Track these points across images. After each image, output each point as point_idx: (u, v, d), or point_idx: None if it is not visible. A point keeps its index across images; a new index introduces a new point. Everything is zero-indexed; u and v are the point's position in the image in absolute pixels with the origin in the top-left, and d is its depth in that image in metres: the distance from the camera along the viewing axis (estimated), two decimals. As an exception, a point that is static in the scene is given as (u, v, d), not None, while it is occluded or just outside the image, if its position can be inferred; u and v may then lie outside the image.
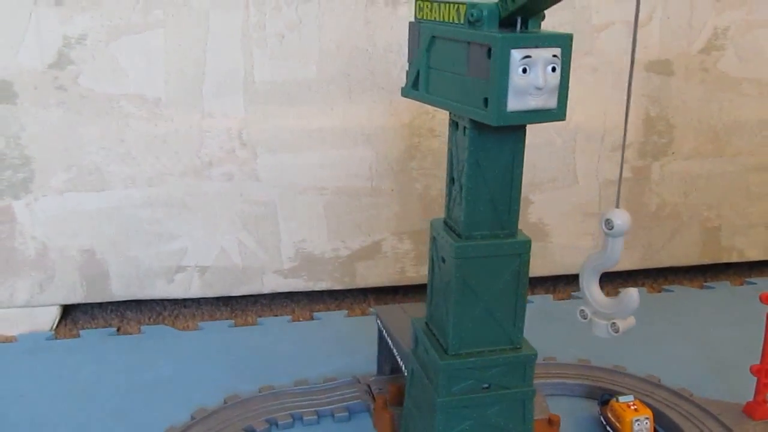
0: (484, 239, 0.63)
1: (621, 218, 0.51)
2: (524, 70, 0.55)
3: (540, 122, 0.59)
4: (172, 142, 0.96)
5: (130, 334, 0.99)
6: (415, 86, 0.66)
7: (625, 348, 0.94)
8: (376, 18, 0.97)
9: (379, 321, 0.85)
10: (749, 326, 0.91)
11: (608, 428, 0.78)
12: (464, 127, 0.61)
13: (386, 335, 0.82)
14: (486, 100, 0.56)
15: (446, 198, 0.67)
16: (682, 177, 1.12)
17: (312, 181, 1.01)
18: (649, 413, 0.76)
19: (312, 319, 1.04)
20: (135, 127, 0.95)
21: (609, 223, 0.51)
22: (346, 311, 1.06)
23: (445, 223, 0.67)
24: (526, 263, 0.65)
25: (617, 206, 0.52)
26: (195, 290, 1.03)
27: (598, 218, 1.10)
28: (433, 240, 0.68)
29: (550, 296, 1.12)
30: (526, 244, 0.64)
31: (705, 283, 1.17)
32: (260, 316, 1.05)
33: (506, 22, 0.57)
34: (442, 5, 0.61)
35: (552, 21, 0.99)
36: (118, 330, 1.00)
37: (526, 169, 1.06)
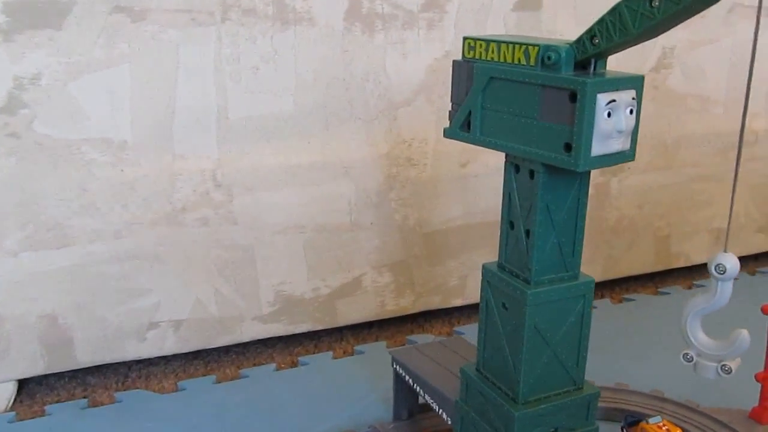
0: (552, 283, 0.62)
1: (731, 262, 0.51)
2: (608, 114, 0.54)
3: (615, 164, 0.58)
4: (141, 189, 0.87)
5: (103, 404, 0.89)
6: (464, 127, 0.63)
7: (611, 364, 0.95)
8: (353, 46, 0.93)
9: (397, 365, 0.81)
10: (713, 328, 0.97)
11: (639, 451, 0.79)
12: (531, 171, 0.59)
13: (409, 379, 0.79)
14: (568, 146, 0.55)
15: (502, 242, 0.64)
16: (637, 190, 1.16)
17: (291, 219, 0.96)
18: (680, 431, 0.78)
19: (297, 365, 0.98)
20: (99, 175, 0.85)
21: (720, 268, 0.51)
22: (331, 353, 1.01)
23: (502, 267, 0.65)
24: (590, 303, 0.64)
25: (725, 250, 0.52)
26: (170, 347, 0.94)
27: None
28: (489, 285, 0.66)
29: (525, 316, 1.12)
30: (591, 284, 0.63)
31: (659, 289, 1.22)
32: (241, 368, 0.98)
33: (580, 65, 0.56)
34: (503, 45, 0.59)
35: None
36: (89, 401, 0.90)
37: (498, 193, 1.07)
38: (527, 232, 0.61)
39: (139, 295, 0.91)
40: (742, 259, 1.32)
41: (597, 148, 0.55)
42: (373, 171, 0.98)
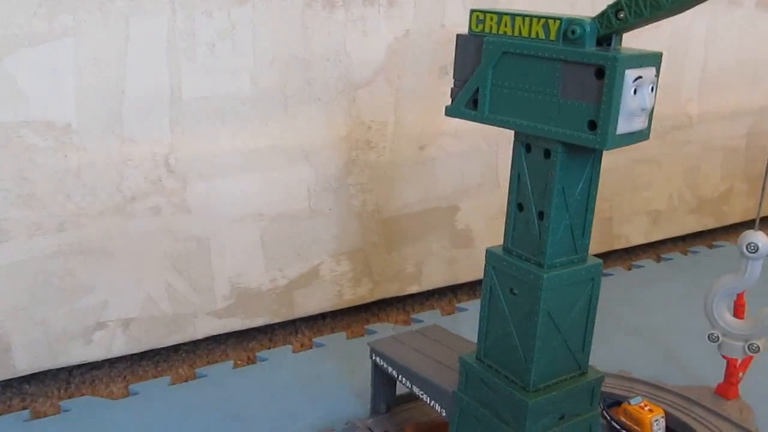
0: (564, 266, 0.60)
1: (763, 240, 0.51)
2: (634, 92, 0.53)
3: (634, 143, 0.56)
4: (87, 177, 0.79)
5: (48, 414, 0.80)
6: (470, 105, 0.60)
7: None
8: (314, 23, 0.88)
9: (377, 357, 0.77)
10: (661, 308, 0.99)
11: (623, 431, 0.79)
12: (546, 151, 0.57)
13: (393, 371, 0.75)
14: (592, 123, 0.53)
15: (509, 225, 0.62)
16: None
17: (248, 207, 0.90)
18: (662, 412, 0.78)
19: (255, 361, 0.93)
20: (40, 162, 0.77)
21: (752, 246, 0.51)
22: (289, 347, 0.95)
23: (509, 251, 0.62)
24: (599, 286, 0.62)
25: (755, 229, 0.51)
26: (119, 348, 0.86)
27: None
28: (494, 270, 0.63)
29: (480, 302, 1.11)
30: (600, 267, 0.62)
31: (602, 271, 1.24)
32: (195, 367, 0.91)
33: (600, 40, 0.54)
34: (518, 18, 0.56)
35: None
36: (31, 412, 0.81)
37: (455, 178, 1.05)
38: (540, 214, 0.58)
39: (85, 293, 0.82)
40: (675, 239, 1.38)
41: (622, 127, 0.53)
42: (332, 155, 0.93)
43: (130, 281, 0.85)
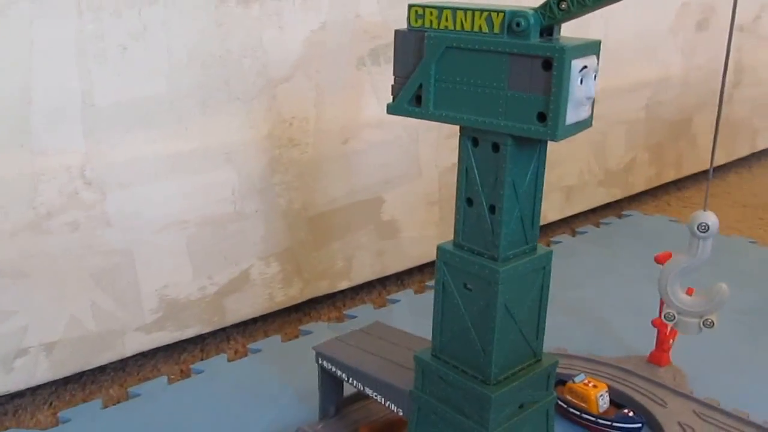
0: (517, 258, 0.60)
1: (713, 220, 0.52)
2: (581, 81, 0.53)
3: (579, 132, 0.57)
4: (-4, 195, 0.73)
5: (-29, 454, 0.75)
6: (413, 102, 0.59)
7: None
8: (229, 20, 0.84)
9: (323, 360, 0.76)
10: (584, 281, 1.03)
11: (570, 408, 0.81)
12: (494, 144, 0.57)
13: (342, 374, 0.74)
14: (542, 115, 0.53)
15: (459, 220, 0.61)
16: (500, 155, 1.18)
17: (172, 215, 0.85)
18: (605, 387, 0.81)
19: (190, 374, 0.89)
20: (-59, 183, 0.70)
21: (703, 226, 0.52)
22: (224, 356, 0.92)
23: (460, 246, 0.62)
24: (549, 274, 0.63)
25: (705, 209, 0.53)
26: (42, 374, 0.81)
27: (440, 207, 1.12)
28: (446, 266, 0.62)
29: (411, 291, 1.11)
30: (550, 255, 0.62)
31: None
32: (126, 386, 0.86)
33: (543, 31, 0.54)
34: (459, 12, 0.55)
35: (395, 13, 0.97)
36: (-49, 454, 0.75)
37: (379, 169, 1.04)
38: (491, 208, 0.58)
39: (2, 319, 0.77)
40: (587, 212, 1.42)
41: (570, 117, 0.53)
42: (255, 155, 0.90)
43: (51, 302, 0.79)
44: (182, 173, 0.85)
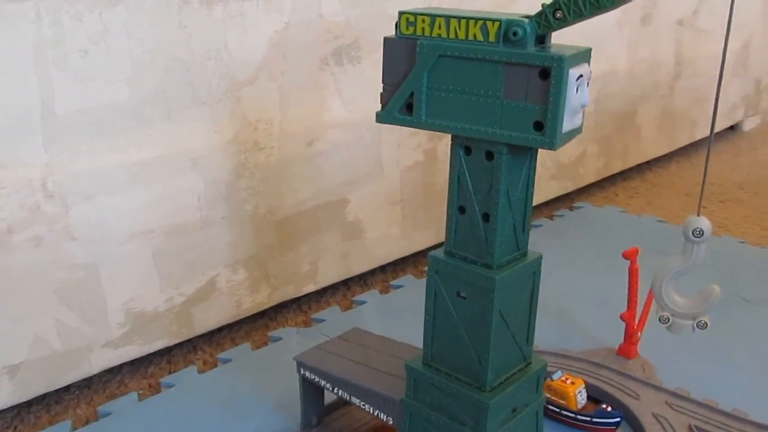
0: (510, 265, 0.60)
1: (706, 224, 0.53)
2: (576, 89, 0.53)
3: (572, 139, 0.57)
4: (-47, 212, 0.69)
5: (-66, 486, 0.70)
6: (404, 110, 0.58)
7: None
8: (192, 21, 0.81)
9: (306, 371, 0.74)
10: (545, 275, 1.04)
11: (549, 406, 0.82)
12: (489, 152, 0.56)
13: (327, 384, 0.72)
14: (539, 124, 0.53)
15: (450, 227, 0.61)
16: (459, 152, 1.18)
17: (137, 225, 0.82)
18: (582, 382, 0.82)
19: (161, 389, 0.86)
20: None
21: (698, 231, 0.53)
22: (194, 367, 0.89)
23: (452, 254, 0.61)
24: (539, 278, 0.63)
25: (698, 214, 0.54)
26: (5, 398, 0.77)
27: (402, 206, 1.12)
28: (438, 275, 0.62)
29: (376, 291, 1.10)
30: (540, 260, 0.63)
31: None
32: (95, 405, 0.83)
33: (537, 39, 0.54)
34: (453, 20, 0.54)
35: (358, 12, 0.96)
36: None
37: (343, 170, 1.03)
38: (485, 216, 0.58)
39: (-38, 343, 0.73)
40: (540, 206, 1.44)
41: (567, 125, 0.53)
42: (221, 160, 0.88)
43: (13, 322, 0.75)
44: (147, 182, 0.82)
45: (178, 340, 0.90)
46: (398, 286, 1.12)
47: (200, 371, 0.89)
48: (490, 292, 0.58)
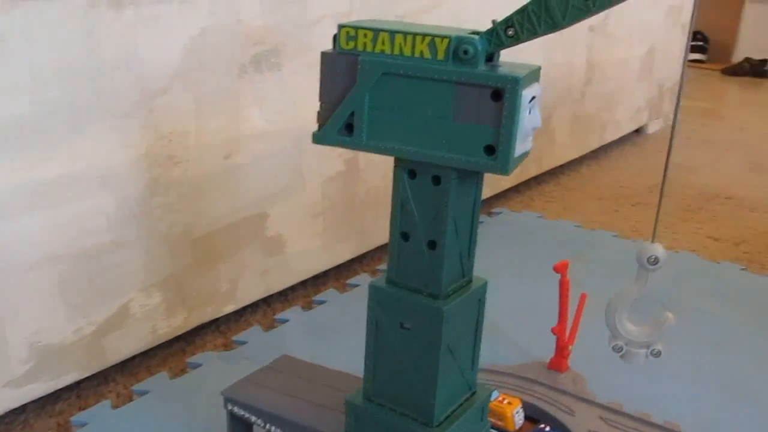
0: (457, 294, 0.57)
1: (661, 251, 0.52)
2: (529, 111, 0.51)
3: (522, 162, 0.55)
4: None
5: None
6: (344, 131, 0.54)
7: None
8: (99, 27, 0.74)
9: (234, 406, 0.69)
10: None
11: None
12: (435, 177, 0.53)
13: (259, 420, 0.68)
14: (490, 148, 0.50)
15: (393, 255, 0.57)
16: (382, 160, 1.15)
17: (42, 251, 0.75)
18: (519, 402, 0.80)
19: (71, 429, 0.78)
20: None
21: (653, 259, 0.51)
22: (107, 402, 0.82)
23: (394, 283, 0.57)
24: (484, 305, 0.61)
25: (653, 241, 0.52)
26: None
27: (323, 218, 1.07)
28: (380, 306, 0.58)
29: (298, 307, 1.05)
30: (485, 285, 0.60)
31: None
32: (-5, 451, 0.75)
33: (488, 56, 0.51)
34: (397, 35, 0.51)
35: (279, 16, 0.91)
36: None
37: (263, 183, 0.98)
38: (431, 244, 0.55)
39: None
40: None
41: (519, 148, 0.51)
42: (132, 177, 0.81)
43: None
44: (51, 203, 0.74)
45: (88, 374, 0.83)
46: (321, 302, 1.07)
47: (114, 406, 0.82)
48: (437, 324, 0.55)
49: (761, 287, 1.19)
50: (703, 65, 3.91)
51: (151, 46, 0.79)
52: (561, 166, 1.72)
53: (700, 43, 3.96)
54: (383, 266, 1.20)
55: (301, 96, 0.98)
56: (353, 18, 1.03)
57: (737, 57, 4.07)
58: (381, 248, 1.24)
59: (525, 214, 1.46)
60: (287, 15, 0.93)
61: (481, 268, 0.59)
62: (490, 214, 1.44)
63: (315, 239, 1.08)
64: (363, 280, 1.15)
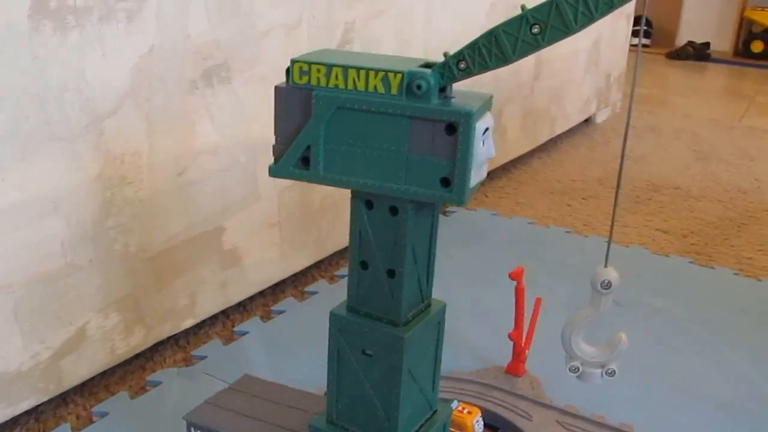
0: (416, 320, 0.58)
1: (614, 276, 0.53)
2: (483, 143, 0.52)
3: (477, 191, 0.56)
4: None
5: None
6: (300, 164, 0.54)
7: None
8: (45, 50, 0.73)
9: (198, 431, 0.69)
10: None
11: (446, 439, 0.81)
12: (393, 207, 0.54)
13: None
14: (446, 180, 0.51)
15: (352, 283, 0.58)
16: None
17: (-7, 280, 0.73)
18: (478, 410, 0.82)
19: (29, 456, 0.78)
20: None
21: (606, 283, 0.53)
22: (66, 426, 0.81)
23: (355, 311, 0.58)
24: (444, 326, 0.62)
25: (605, 266, 0.54)
26: None
27: (280, 228, 1.07)
28: (341, 333, 0.59)
29: (257, 318, 1.05)
30: (444, 308, 0.61)
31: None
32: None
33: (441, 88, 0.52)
34: (351, 71, 0.51)
35: (228, 30, 0.90)
36: None
37: (218, 197, 0.97)
38: (390, 272, 0.56)
39: None
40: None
41: (474, 179, 0.52)
42: (85, 199, 0.80)
43: None
44: (3, 231, 0.73)
45: (47, 398, 0.82)
46: (280, 311, 1.07)
47: (74, 428, 0.81)
48: (399, 351, 0.56)
49: (708, 282, 1.23)
50: (648, 50, 4.00)
51: (98, 67, 0.78)
52: (513, 161, 1.74)
53: (645, 28, 4.04)
54: (341, 271, 1.21)
55: (253, 108, 0.97)
56: (303, 28, 1.02)
57: (680, 41, 4.17)
58: (338, 253, 1.24)
59: (479, 212, 1.48)
60: (236, 28, 0.92)
61: (437, 272, 0.59)
62: (445, 213, 1.46)
63: (272, 249, 1.08)
64: (321, 287, 1.15)
